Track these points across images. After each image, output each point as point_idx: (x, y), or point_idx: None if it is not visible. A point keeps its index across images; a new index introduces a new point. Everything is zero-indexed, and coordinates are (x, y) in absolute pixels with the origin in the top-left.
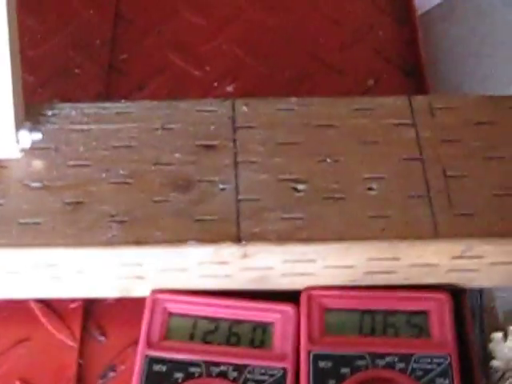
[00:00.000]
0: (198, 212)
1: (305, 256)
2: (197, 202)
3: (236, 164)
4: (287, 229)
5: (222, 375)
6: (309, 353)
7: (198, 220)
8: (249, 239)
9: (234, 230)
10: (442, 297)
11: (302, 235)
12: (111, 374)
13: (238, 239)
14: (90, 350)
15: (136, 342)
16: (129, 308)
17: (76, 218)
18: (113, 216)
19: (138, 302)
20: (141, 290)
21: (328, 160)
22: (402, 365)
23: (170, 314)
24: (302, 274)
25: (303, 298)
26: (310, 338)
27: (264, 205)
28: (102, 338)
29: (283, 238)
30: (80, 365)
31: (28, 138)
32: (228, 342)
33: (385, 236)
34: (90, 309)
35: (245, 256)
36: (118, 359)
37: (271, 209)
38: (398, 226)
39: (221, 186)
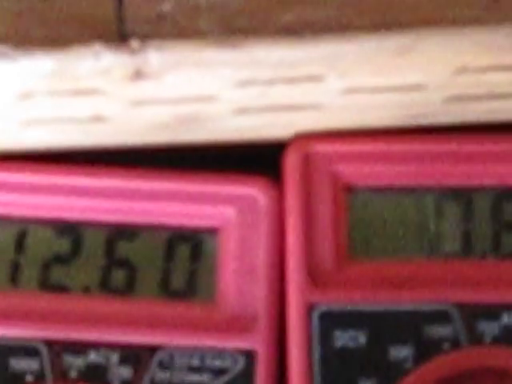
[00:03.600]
0: None
1: (294, 68)
2: None
3: None
4: (247, 1)
5: (94, 376)
6: (310, 309)
7: None
8: (147, 34)
9: (109, 11)
10: None
11: (284, 15)
12: None
13: (119, 34)
14: None
15: None
16: None
17: None
18: None
19: None
20: None
21: None
22: None
23: None
24: (288, 109)
25: (292, 163)
26: (312, 272)
27: None
28: None
29: (238, 24)
30: None
31: None
32: (105, 288)
33: (501, 14)
34: None
35: (139, 76)
36: None
37: None
38: None
39: None
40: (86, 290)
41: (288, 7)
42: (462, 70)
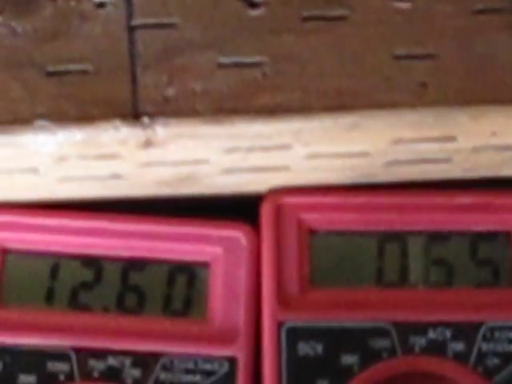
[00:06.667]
0: (50, 56)
1: (269, 139)
2: (46, 34)
3: None
4: (232, 87)
5: (112, 376)
6: (279, 325)
7: (51, 74)
8: (155, 113)
9: (126, 95)
10: None
11: (261, 98)
12: None
13: (133, 113)
14: None
15: None
16: None
17: None
18: None
19: None
20: None
21: None
22: (460, 346)
23: (5, 252)
24: (264, 170)
25: (267, 211)
26: (282, 297)
27: (184, 37)
28: None
29: (225, 106)
30: None
31: None
32: (120, 308)
33: (427, 99)
34: None
35: (148, 144)
36: None
37: (198, 45)
38: (455, 76)
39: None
40: (106, 309)
41: (263, 93)
42: (398, 141)
